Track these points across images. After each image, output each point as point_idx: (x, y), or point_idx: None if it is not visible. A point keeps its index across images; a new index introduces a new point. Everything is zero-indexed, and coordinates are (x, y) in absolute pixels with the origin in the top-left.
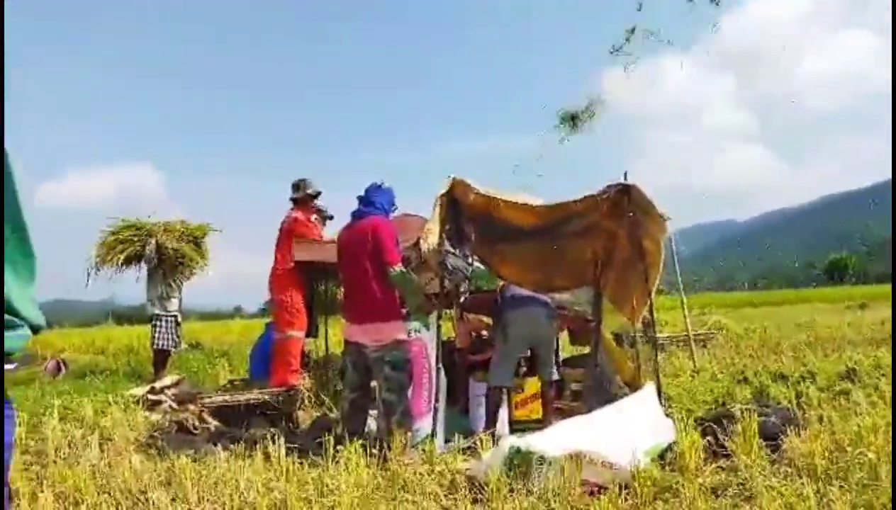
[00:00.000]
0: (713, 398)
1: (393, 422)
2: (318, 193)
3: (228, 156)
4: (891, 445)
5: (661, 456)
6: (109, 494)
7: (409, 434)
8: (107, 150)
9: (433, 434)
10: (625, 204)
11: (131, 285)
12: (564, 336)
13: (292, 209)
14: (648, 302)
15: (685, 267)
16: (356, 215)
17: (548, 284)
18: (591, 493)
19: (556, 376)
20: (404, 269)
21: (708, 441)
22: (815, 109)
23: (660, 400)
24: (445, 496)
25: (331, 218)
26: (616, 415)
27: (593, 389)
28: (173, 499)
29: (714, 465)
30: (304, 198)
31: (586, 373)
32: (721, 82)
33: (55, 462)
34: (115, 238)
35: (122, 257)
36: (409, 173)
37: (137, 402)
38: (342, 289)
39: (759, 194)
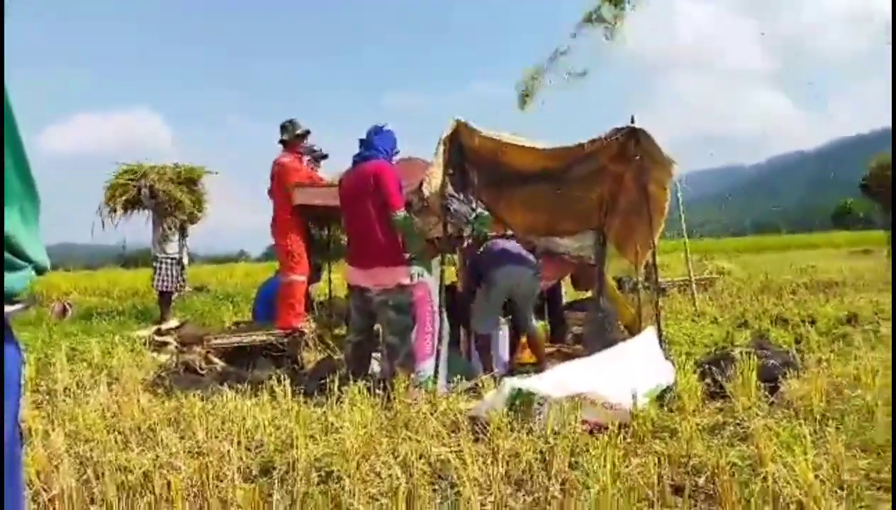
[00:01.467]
0: (713, 341)
1: (396, 365)
2: (307, 133)
3: (238, 101)
4: (891, 391)
5: (661, 397)
6: (119, 432)
7: (413, 376)
8: (109, 95)
9: (436, 376)
10: (631, 148)
11: (140, 229)
12: (567, 281)
13: (282, 153)
14: (652, 247)
15: (690, 212)
16: (357, 159)
17: (553, 228)
18: (591, 432)
19: (534, 323)
20: (407, 214)
21: (707, 383)
22: (831, 51)
23: (660, 343)
24: (448, 435)
25: (325, 156)
26: (616, 357)
27: (595, 333)
28: (182, 437)
29: (712, 407)
30: (292, 139)
31: (588, 317)
32: (736, 24)
33: (65, 401)
34: (116, 183)
35: (121, 201)
36: (433, 115)
37: (144, 344)
38: (345, 234)
39: (769, 139)
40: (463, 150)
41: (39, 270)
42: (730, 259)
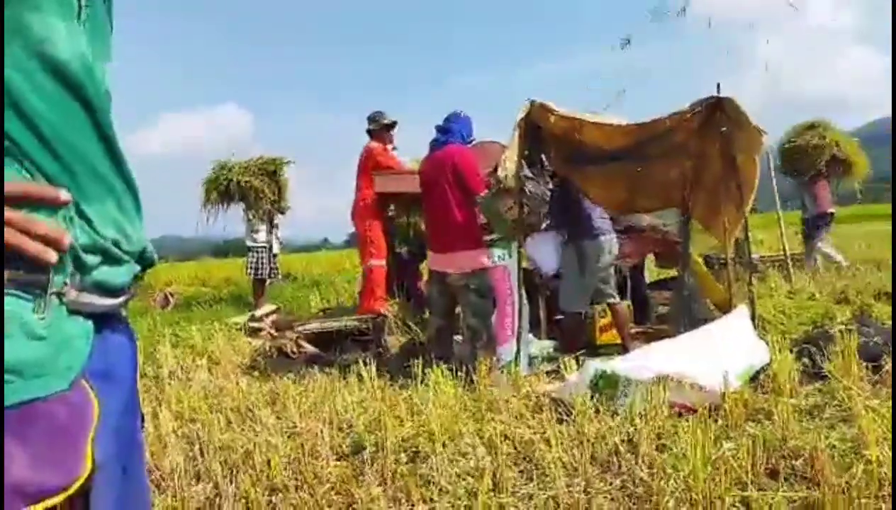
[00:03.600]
0: (810, 319)
1: (478, 347)
2: (394, 123)
3: (316, 94)
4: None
5: (754, 378)
6: (221, 412)
7: (494, 358)
8: (195, 95)
9: (517, 358)
10: (717, 119)
11: (234, 220)
12: (650, 258)
13: (370, 141)
14: (742, 221)
15: (783, 183)
16: (435, 144)
17: (633, 205)
18: (680, 415)
19: (616, 299)
20: (490, 196)
21: (804, 363)
22: None
23: (753, 322)
24: (531, 416)
25: (394, 148)
26: (706, 337)
27: (681, 312)
28: (278, 417)
29: (810, 388)
30: (379, 129)
31: (673, 296)
32: None
33: (170, 384)
34: (210, 179)
35: (214, 195)
36: (495, 97)
37: (240, 329)
38: (424, 219)
39: (866, 100)
40: (538, 131)
41: (147, 264)
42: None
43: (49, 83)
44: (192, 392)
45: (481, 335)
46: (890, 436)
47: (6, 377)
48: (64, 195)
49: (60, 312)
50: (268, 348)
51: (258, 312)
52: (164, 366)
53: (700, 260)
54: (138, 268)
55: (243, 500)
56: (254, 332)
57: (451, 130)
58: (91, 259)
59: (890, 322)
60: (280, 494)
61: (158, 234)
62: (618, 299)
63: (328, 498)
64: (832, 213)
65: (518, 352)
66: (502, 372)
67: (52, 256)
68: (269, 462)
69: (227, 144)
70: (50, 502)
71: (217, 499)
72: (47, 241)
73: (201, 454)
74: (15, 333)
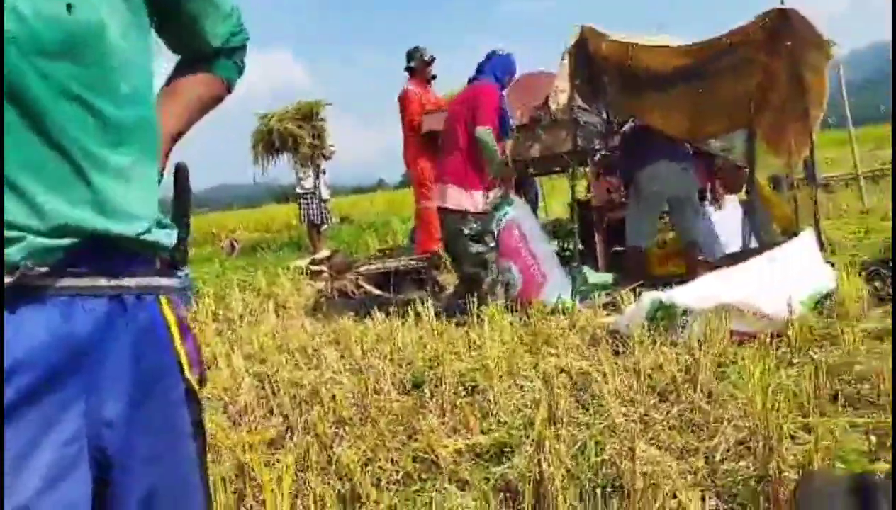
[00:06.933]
0: (883, 240)
1: (485, 293)
2: (433, 59)
3: (363, 31)
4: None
5: (819, 303)
6: (288, 352)
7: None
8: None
9: (572, 293)
10: (782, 32)
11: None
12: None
13: (408, 80)
14: (809, 141)
15: (856, 96)
16: (469, 81)
17: (697, 132)
18: (741, 343)
19: (699, 237)
20: (490, 132)
21: (875, 286)
22: None
23: (820, 245)
24: (587, 349)
25: (434, 77)
26: (769, 263)
27: (747, 237)
28: (341, 356)
29: (880, 311)
30: (418, 66)
31: (740, 223)
32: None
33: (241, 326)
34: (257, 130)
35: (260, 147)
36: (552, 20)
37: (302, 273)
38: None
39: None
40: (590, 58)
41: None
42: None
43: None
44: (261, 333)
45: (481, 281)
46: None
47: None
48: None
49: None
50: (329, 290)
51: (317, 256)
52: (234, 310)
53: (766, 183)
54: (50, 241)
55: (312, 432)
56: (315, 275)
57: (484, 70)
58: None
59: None
60: (346, 427)
61: (221, 181)
62: (700, 237)
63: (391, 429)
64: None
65: (573, 286)
66: (554, 310)
67: None
68: (334, 397)
69: (283, 90)
70: None
71: (288, 432)
72: None
73: (272, 392)
74: None
